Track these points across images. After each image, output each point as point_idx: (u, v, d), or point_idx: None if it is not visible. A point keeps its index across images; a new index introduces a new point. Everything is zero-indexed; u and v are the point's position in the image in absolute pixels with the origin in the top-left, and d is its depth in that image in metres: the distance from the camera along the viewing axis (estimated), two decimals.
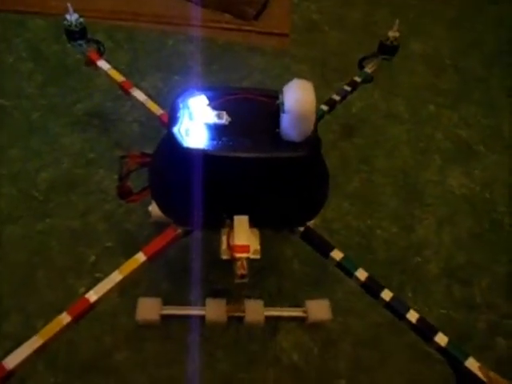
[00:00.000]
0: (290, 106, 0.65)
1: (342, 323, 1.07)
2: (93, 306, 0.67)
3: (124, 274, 0.70)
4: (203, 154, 0.67)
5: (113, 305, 1.03)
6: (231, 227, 0.73)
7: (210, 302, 1.02)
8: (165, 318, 1.01)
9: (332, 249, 0.75)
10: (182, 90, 0.75)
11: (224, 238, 0.73)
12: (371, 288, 0.73)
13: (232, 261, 0.71)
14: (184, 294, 1.07)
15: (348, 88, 1.04)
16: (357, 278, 0.73)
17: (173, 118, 0.71)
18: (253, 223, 0.74)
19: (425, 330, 0.70)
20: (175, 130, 0.69)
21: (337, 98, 1.02)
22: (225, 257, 0.71)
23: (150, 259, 0.73)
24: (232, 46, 1.73)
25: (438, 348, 0.68)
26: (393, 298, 0.71)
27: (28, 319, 1.01)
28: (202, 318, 1.00)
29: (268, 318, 1.03)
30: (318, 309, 1.04)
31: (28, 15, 1.71)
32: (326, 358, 1.02)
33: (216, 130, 0.70)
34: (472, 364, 0.65)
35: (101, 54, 1.09)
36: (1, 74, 1.52)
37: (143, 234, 1.16)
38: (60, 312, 1.00)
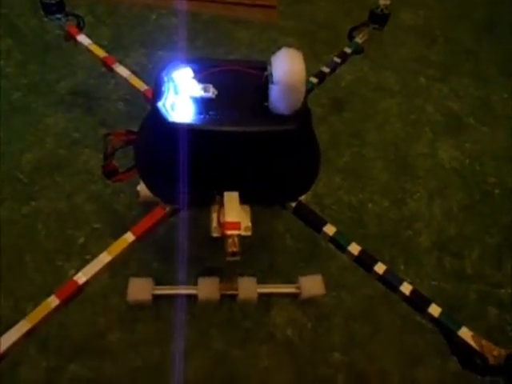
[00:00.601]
0: (279, 76, 0.63)
1: (335, 297, 1.07)
2: (82, 288, 0.66)
3: (113, 255, 0.68)
4: (189, 129, 0.65)
5: (104, 286, 1.02)
6: (221, 204, 0.71)
7: (202, 280, 1.01)
8: (157, 297, 1.00)
9: (325, 224, 0.74)
10: (167, 63, 0.72)
11: (214, 216, 0.71)
12: (364, 262, 0.72)
13: (223, 238, 0.69)
14: (175, 274, 1.06)
15: (338, 60, 1.01)
16: (350, 253, 0.73)
17: (157, 93, 0.68)
18: (243, 199, 0.72)
19: (418, 302, 0.70)
20: (160, 104, 0.66)
21: (326, 70, 0.99)
22: (215, 234, 0.70)
23: (138, 239, 0.71)
24: (217, 19, 1.67)
25: (432, 319, 0.68)
26: (386, 271, 0.70)
27: (17, 303, 0.99)
28: (195, 297, 1.00)
29: (261, 295, 1.02)
30: (311, 285, 1.04)
31: None
32: (320, 333, 1.03)
33: (202, 104, 0.67)
34: (465, 333, 0.65)
35: (80, 29, 1.04)
36: None
37: (132, 215, 1.15)
38: (50, 294, 1.00)
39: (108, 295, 1.02)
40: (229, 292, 1.01)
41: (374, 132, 1.41)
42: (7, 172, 1.19)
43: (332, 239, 0.74)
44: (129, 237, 0.71)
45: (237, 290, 1.01)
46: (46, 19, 1.04)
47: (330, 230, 0.74)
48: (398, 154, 1.36)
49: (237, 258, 0.67)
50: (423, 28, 1.75)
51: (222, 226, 0.68)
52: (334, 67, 1.01)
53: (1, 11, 1.58)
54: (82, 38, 0.99)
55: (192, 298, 1.01)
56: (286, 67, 0.63)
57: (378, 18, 1.06)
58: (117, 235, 1.11)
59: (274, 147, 0.69)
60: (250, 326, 1.02)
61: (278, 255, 1.13)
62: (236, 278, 1.02)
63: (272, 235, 1.16)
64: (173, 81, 0.69)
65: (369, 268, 0.71)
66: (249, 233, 0.71)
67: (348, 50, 1.03)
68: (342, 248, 0.73)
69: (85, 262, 1.04)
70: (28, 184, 1.18)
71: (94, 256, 1.07)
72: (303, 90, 0.65)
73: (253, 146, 0.68)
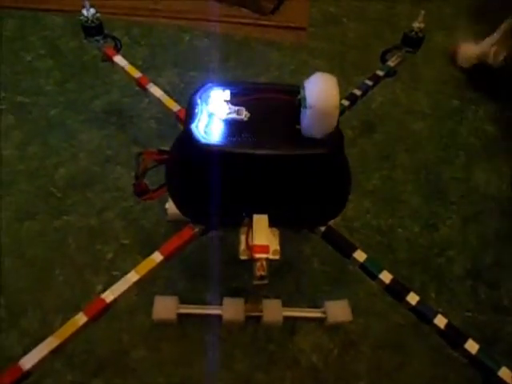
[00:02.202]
0: (313, 100, 0.63)
1: (363, 324, 1.04)
2: (109, 306, 0.66)
3: (141, 274, 0.69)
4: (221, 151, 0.65)
5: (130, 303, 1.02)
6: (250, 226, 0.71)
7: (227, 301, 1.01)
8: (181, 316, 1.00)
9: (355, 249, 0.73)
10: (200, 85, 0.73)
11: (243, 238, 0.71)
12: (396, 291, 0.70)
13: (251, 261, 0.69)
14: (201, 293, 1.06)
15: (370, 82, 1.00)
16: (380, 281, 0.70)
17: (190, 114, 0.69)
18: (272, 223, 0.71)
19: (453, 337, 0.66)
20: (193, 126, 0.67)
21: (358, 92, 0.99)
22: (243, 257, 0.69)
23: (166, 259, 0.71)
24: (249, 41, 1.70)
25: (468, 355, 0.65)
26: (419, 302, 0.67)
27: (45, 316, 1.01)
28: (220, 317, 0.99)
29: (286, 319, 1.01)
30: (338, 310, 1.01)
31: (45, 12, 1.71)
32: (346, 360, 1.00)
33: (235, 127, 0.68)
34: (505, 374, 0.61)
35: (117, 50, 1.07)
36: (20, 71, 1.52)
37: (160, 232, 1.15)
38: (77, 309, 1.01)
39: (133, 312, 1.02)
40: (254, 313, 1.00)
41: (404, 155, 1.38)
42: (42, 186, 1.23)
43: (362, 266, 0.72)
44: (157, 256, 0.71)
45: (262, 311, 1.00)
46: (85, 41, 1.08)
47: (360, 256, 0.72)
48: (430, 177, 1.33)
49: (264, 282, 0.67)
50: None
51: (250, 248, 0.68)
52: (365, 90, 1.00)
53: (43, 33, 1.65)
54: (119, 59, 1.03)
55: (217, 318, 1.00)
56: (320, 91, 0.63)
57: (412, 41, 1.05)
58: (144, 252, 1.13)
59: (305, 171, 0.68)
60: (275, 349, 1.00)
61: (304, 278, 1.11)
62: (261, 300, 1.01)
63: (299, 258, 1.15)
64: (206, 103, 0.70)
65: (400, 298, 0.69)
66: (277, 256, 0.70)
67: (380, 73, 1.03)
68: (373, 276, 0.71)
69: (112, 278, 1.08)
70: (61, 199, 1.21)
71: (122, 272, 1.08)
72: (336, 114, 0.64)
73: (284, 170, 0.67)
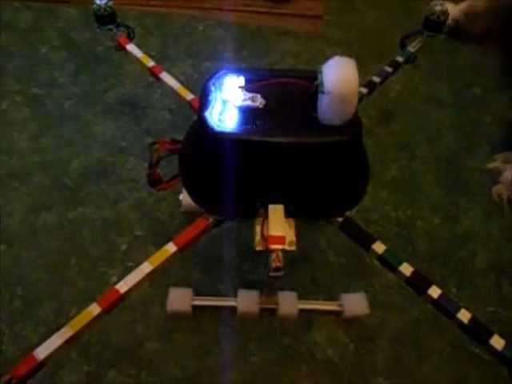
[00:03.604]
0: (331, 85, 0.60)
1: (380, 318, 1.02)
2: (123, 297, 0.65)
3: (155, 265, 0.67)
4: (236, 139, 0.63)
5: (144, 294, 1.02)
6: (265, 217, 0.69)
7: (242, 293, 0.99)
8: (196, 308, 0.99)
9: (374, 241, 0.70)
10: (214, 72, 0.71)
11: (258, 229, 0.69)
12: (417, 284, 0.67)
13: (266, 252, 0.67)
14: (216, 285, 1.05)
15: (389, 69, 0.97)
16: (401, 273, 0.68)
17: (204, 102, 0.67)
18: (288, 213, 0.69)
19: (478, 332, 0.64)
20: (207, 113, 0.65)
21: (377, 79, 0.95)
22: (259, 248, 0.68)
23: (180, 250, 0.70)
24: (263, 30, 1.67)
25: (493, 352, 0.62)
26: (441, 296, 0.65)
27: (61, 306, 1.01)
28: (234, 309, 0.98)
29: (301, 311, 0.99)
30: (355, 303, 0.99)
31: (60, 4, 1.71)
32: (363, 354, 0.97)
33: (250, 114, 0.66)
34: None
35: (131, 39, 1.06)
36: (35, 63, 1.52)
37: (174, 223, 1.14)
38: (92, 300, 1.01)
39: (148, 304, 1.01)
40: (269, 306, 0.98)
41: (424, 145, 1.34)
42: (56, 178, 1.23)
43: (381, 258, 0.69)
44: (171, 247, 0.70)
45: (277, 304, 0.98)
46: (98, 30, 1.07)
47: (379, 247, 0.69)
48: (451, 168, 1.29)
49: (280, 273, 0.65)
50: (478, 36, 1.66)
51: (265, 239, 0.66)
52: (384, 77, 0.97)
53: (57, 25, 1.65)
54: (132, 48, 1.01)
55: (231, 310, 0.99)
56: (338, 76, 0.60)
57: (434, 25, 1.01)
58: (158, 243, 1.11)
59: (322, 159, 0.66)
60: (290, 342, 0.98)
61: (319, 270, 1.09)
62: (276, 292, 0.99)
63: (314, 249, 1.13)
64: (220, 90, 0.68)
65: (422, 291, 0.66)
66: (293, 247, 0.68)
67: (400, 59, 0.99)
68: (392, 268, 0.69)
69: (126, 269, 1.08)
70: (75, 190, 1.21)
71: (136, 263, 1.07)
72: (355, 100, 0.62)
73: (301, 158, 0.65)
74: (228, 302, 0.99)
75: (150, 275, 0.68)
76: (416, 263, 1.08)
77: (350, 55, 1.61)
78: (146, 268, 0.67)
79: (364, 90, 0.94)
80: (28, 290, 1.03)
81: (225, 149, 0.63)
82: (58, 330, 0.95)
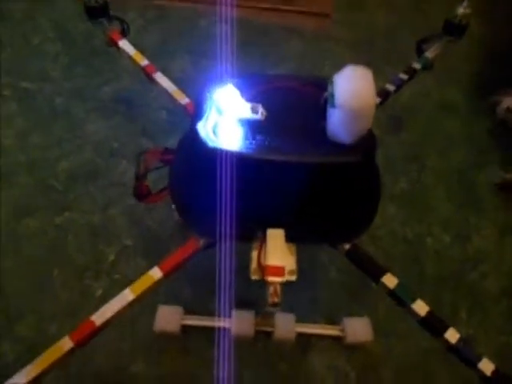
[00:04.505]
0: (343, 98, 0.52)
1: (384, 345, 0.95)
2: (99, 329, 0.58)
3: (136, 293, 0.60)
4: (233, 157, 0.55)
5: (131, 310, 0.94)
6: (264, 241, 0.61)
7: (236, 313, 0.92)
8: (186, 328, 0.92)
9: (384, 272, 0.63)
10: (210, 78, 0.63)
11: (255, 254, 0.61)
12: (432, 326, 0.59)
13: (263, 281, 0.59)
14: (208, 303, 0.97)
15: (404, 76, 0.89)
16: (414, 312, 0.60)
17: (198, 112, 0.59)
18: (289, 237, 0.62)
19: None
20: (199, 125, 0.57)
21: (391, 88, 0.87)
22: (255, 277, 0.60)
23: (166, 275, 0.63)
24: (268, 27, 1.59)
25: None
26: (460, 341, 0.57)
27: (41, 322, 0.94)
28: (227, 330, 0.90)
29: (299, 335, 0.91)
30: (358, 328, 0.92)
31: None
32: None
33: (249, 127, 0.58)
34: None
35: (125, 34, 0.98)
36: (26, 55, 1.44)
37: (165, 233, 1.07)
38: (74, 316, 0.94)
39: (135, 321, 0.94)
40: (264, 328, 0.91)
41: (435, 156, 1.26)
42: (42, 179, 1.16)
43: (392, 293, 0.62)
44: (155, 273, 0.62)
45: (273, 326, 0.91)
46: (89, 23, 0.99)
47: (390, 281, 0.62)
48: (463, 182, 1.21)
49: (277, 309, 0.57)
50: (494, 41, 1.58)
51: (262, 269, 0.58)
52: (399, 85, 0.89)
53: (52, 15, 1.56)
54: (124, 44, 0.93)
55: (224, 331, 0.91)
56: (353, 89, 0.52)
57: (455, 29, 0.92)
58: (148, 255, 1.05)
59: (330, 181, 0.58)
60: (286, 369, 0.92)
61: (320, 289, 1.02)
62: (273, 314, 0.92)
63: (315, 266, 1.05)
64: (216, 99, 0.60)
65: (438, 334, 0.59)
66: (293, 277, 0.61)
67: (417, 66, 0.91)
68: (405, 305, 0.61)
69: (113, 282, 1.01)
70: (62, 193, 1.14)
71: (123, 275, 1.02)
72: (370, 117, 0.54)
73: (306, 179, 0.57)
74: (221, 323, 0.92)
75: (132, 304, 0.60)
76: (424, 286, 1.02)
77: (359, 57, 1.54)
78: (126, 296, 0.60)
79: (377, 100, 0.85)
80: (8, 303, 0.96)
81: (219, 167, 0.56)
82: (35, 347, 0.91)
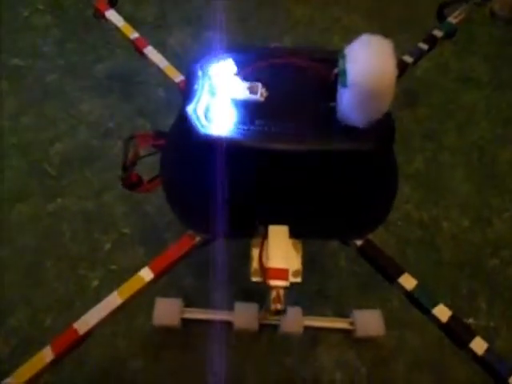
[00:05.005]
0: (358, 77, 0.44)
1: (397, 338, 0.90)
2: (83, 338, 0.52)
3: (124, 297, 0.54)
4: (228, 145, 0.48)
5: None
6: (266, 237, 0.55)
7: (239, 306, 0.87)
8: (186, 322, 0.87)
9: (401, 273, 0.56)
10: (203, 53, 0.55)
11: (255, 253, 0.55)
12: (456, 333, 0.53)
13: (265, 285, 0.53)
14: (209, 294, 0.92)
15: (425, 46, 0.79)
16: (435, 318, 0.54)
17: (188, 93, 0.51)
18: (294, 233, 0.55)
19: None
20: (189, 108, 0.49)
21: (409, 59, 0.78)
22: (255, 279, 0.54)
23: (158, 276, 0.57)
24: None
25: None
26: (488, 352, 0.51)
27: (35, 314, 0.90)
28: (230, 324, 0.86)
29: (307, 329, 0.87)
30: (369, 322, 0.87)
31: None
32: (376, 381, 0.85)
33: (247, 110, 0.50)
34: None
35: (113, 4, 0.89)
36: (15, 29, 1.36)
37: (164, 220, 1.01)
38: (69, 308, 0.90)
39: (132, 314, 0.89)
40: (269, 322, 0.86)
41: (453, 133, 1.18)
42: (35, 163, 1.10)
43: (410, 296, 0.55)
44: (146, 274, 0.56)
45: (279, 319, 0.85)
46: None
47: (408, 282, 0.55)
48: (484, 160, 1.13)
49: (281, 316, 0.51)
50: None
51: (264, 271, 0.52)
52: (418, 56, 0.79)
53: None
54: (111, 15, 0.85)
55: (226, 325, 0.87)
56: (369, 64, 0.44)
57: None
58: (146, 242, 1.00)
59: (340, 171, 0.51)
60: (292, 364, 0.87)
61: (329, 279, 0.96)
62: None
63: (323, 253, 0.99)
64: (209, 77, 0.52)
65: (462, 343, 0.52)
66: (298, 279, 0.54)
67: (438, 34, 0.80)
68: (425, 310, 0.54)
69: (109, 273, 0.96)
70: (56, 178, 1.08)
71: (120, 266, 0.97)
72: (390, 96, 0.46)
73: (312, 170, 0.50)
74: (223, 316, 0.88)
75: (119, 309, 0.55)
76: (440, 273, 0.95)
77: (371, 23, 1.42)
78: (113, 301, 0.54)
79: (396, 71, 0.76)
80: (0, 294, 0.91)
81: (213, 156, 0.48)
82: (30, 340, 0.87)
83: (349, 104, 0.46)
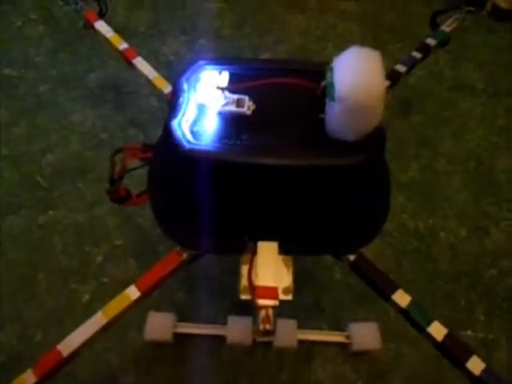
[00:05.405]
0: (345, 91, 0.43)
1: (393, 351, 0.88)
2: (67, 360, 0.51)
3: (110, 317, 0.52)
4: (214, 160, 0.47)
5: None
6: (254, 253, 0.53)
7: (232, 320, 0.85)
8: (178, 336, 0.85)
9: (395, 289, 0.54)
10: (189, 64, 0.54)
11: (244, 270, 0.53)
12: (451, 352, 0.51)
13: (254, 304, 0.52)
14: (202, 308, 0.91)
15: (418, 54, 0.78)
16: (430, 336, 0.52)
17: (173, 106, 0.50)
18: (284, 250, 0.54)
19: None
20: (174, 123, 0.48)
21: (402, 68, 0.77)
22: (244, 297, 0.52)
23: (144, 295, 0.55)
24: (267, 1, 1.47)
25: None
26: (485, 371, 0.49)
27: (25, 329, 0.89)
28: (223, 338, 0.84)
29: (302, 342, 0.85)
30: (365, 335, 0.85)
31: None
32: None
33: (233, 124, 0.49)
34: None
35: (102, 16, 0.88)
36: (8, 39, 1.35)
37: (156, 233, 0.99)
38: (60, 323, 0.88)
39: (123, 328, 0.88)
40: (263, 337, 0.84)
41: (449, 140, 1.17)
42: (27, 175, 1.09)
43: (404, 312, 0.54)
44: (132, 293, 0.55)
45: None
46: (61, 3, 0.90)
47: (402, 298, 0.54)
48: (481, 169, 1.12)
49: (270, 337, 0.49)
50: None
51: (253, 289, 0.50)
52: (412, 65, 0.78)
53: None
54: (101, 26, 0.84)
55: (220, 339, 0.85)
56: (357, 78, 0.43)
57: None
58: (138, 255, 0.98)
59: (330, 186, 0.49)
60: (287, 379, 0.85)
61: (324, 292, 0.95)
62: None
63: (318, 266, 0.98)
64: (195, 90, 0.51)
65: (458, 363, 0.50)
66: (289, 297, 0.53)
67: (431, 42, 0.80)
68: (419, 327, 0.53)
69: (101, 286, 0.94)
70: (47, 189, 1.07)
71: (112, 279, 0.95)
72: (380, 110, 0.45)
73: (301, 185, 0.49)
74: (216, 330, 0.86)
75: (104, 329, 0.53)
76: (437, 285, 0.94)
77: (365, 31, 1.42)
78: (98, 321, 0.52)
79: (385, 83, 0.75)
80: None
81: (198, 171, 0.47)
82: (19, 357, 0.85)
83: (337, 118, 0.45)
